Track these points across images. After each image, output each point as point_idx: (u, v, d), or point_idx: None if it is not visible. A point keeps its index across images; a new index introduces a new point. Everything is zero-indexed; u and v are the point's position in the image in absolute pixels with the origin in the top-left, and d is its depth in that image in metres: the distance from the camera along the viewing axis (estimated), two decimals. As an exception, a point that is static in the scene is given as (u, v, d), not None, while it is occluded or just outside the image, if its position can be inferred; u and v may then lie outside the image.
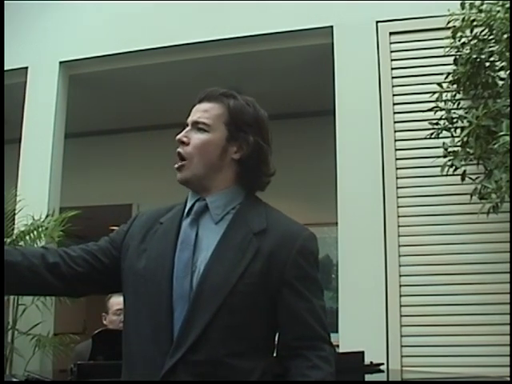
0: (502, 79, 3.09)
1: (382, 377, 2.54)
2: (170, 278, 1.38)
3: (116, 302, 3.16)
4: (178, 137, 1.49)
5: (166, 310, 1.36)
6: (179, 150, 1.48)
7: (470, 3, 3.05)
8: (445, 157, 3.03)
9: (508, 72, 2.95)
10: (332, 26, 3.77)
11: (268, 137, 1.52)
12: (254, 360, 1.37)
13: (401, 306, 3.31)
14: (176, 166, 1.49)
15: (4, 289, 1.40)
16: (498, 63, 3.09)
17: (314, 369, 1.36)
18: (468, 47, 3.11)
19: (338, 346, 3.25)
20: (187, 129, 1.50)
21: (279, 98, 5.13)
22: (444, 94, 3.18)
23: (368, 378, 2.44)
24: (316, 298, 1.43)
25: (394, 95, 3.55)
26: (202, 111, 1.49)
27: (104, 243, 1.54)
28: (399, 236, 3.39)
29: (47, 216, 3.93)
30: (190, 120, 1.51)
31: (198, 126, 1.48)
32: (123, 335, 1.46)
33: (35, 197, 4.02)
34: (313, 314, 1.40)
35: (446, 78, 3.22)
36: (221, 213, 1.45)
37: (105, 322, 3.30)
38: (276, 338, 1.46)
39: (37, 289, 1.50)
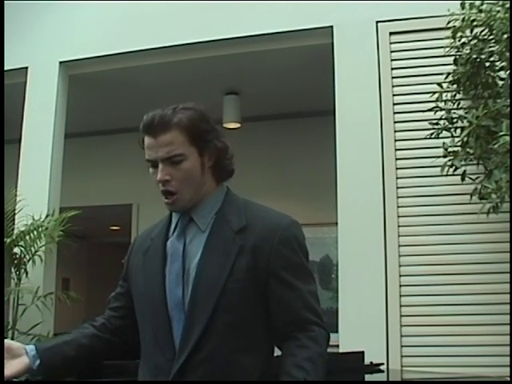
0: (502, 79, 3.09)
1: (382, 377, 2.53)
2: (162, 291, 1.46)
3: None
4: (159, 178, 1.46)
5: (164, 321, 1.44)
6: (165, 188, 1.47)
7: (470, 3, 3.04)
8: (445, 157, 3.03)
9: (508, 72, 2.95)
10: (332, 26, 3.77)
11: (215, 125, 1.53)
12: (255, 354, 1.43)
13: (401, 305, 3.31)
14: (167, 201, 1.48)
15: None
16: (497, 63, 3.09)
17: (302, 348, 1.39)
18: (468, 47, 3.10)
19: (337, 346, 3.25)
20: (161, 167, 1.46)
21: (279, 98, 5.13)
22: (444, 94, 3.18)
23: (368, 378, 2.44)
24: (304, 284, 1.46)
25: (393, 95, 3.55)
26: (166, 145, 1.45)
27: (120, 284, 1.65)
28: (399, 236, 3.39)
29: (47, 216, 3.93)
30: (157, 157, 1.46)
31: (172, 160, 1.45)
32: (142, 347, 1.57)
33: (35, 197, 4.02)
34: (300, 301, 1.44)
35: (446, 78, 3.21)
36: (206, 221, 1.50)
37: None
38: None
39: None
